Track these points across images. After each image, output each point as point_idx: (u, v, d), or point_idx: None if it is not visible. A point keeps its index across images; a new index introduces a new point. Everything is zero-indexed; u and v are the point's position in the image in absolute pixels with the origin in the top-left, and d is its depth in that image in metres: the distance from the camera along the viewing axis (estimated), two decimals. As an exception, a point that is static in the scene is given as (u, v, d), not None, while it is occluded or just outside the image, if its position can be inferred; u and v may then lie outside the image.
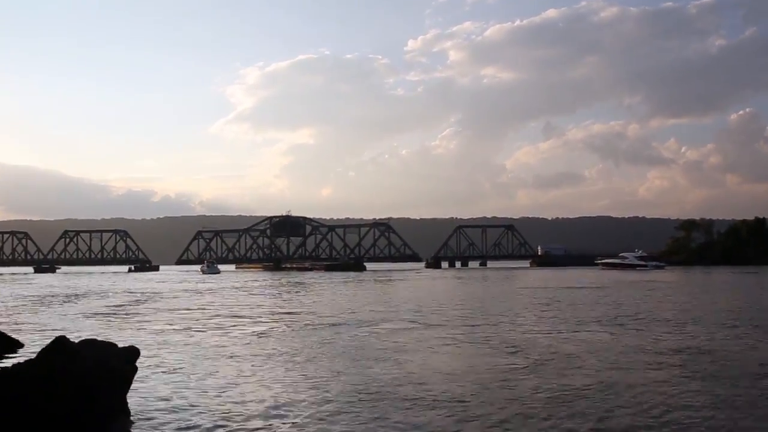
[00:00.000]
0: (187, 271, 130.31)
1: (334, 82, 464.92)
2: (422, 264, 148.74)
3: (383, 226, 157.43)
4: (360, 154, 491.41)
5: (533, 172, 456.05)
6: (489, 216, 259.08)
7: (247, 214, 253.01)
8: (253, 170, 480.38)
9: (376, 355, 16.74)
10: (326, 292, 50.10)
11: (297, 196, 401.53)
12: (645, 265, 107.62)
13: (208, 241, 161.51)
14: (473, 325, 23.74)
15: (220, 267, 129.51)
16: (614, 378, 13.27)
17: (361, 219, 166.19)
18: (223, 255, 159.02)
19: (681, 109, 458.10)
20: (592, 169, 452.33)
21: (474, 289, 53.65)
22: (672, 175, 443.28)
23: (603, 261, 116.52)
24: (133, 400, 10.93)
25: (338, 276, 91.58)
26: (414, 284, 64.78)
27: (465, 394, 12.04)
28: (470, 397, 11.74)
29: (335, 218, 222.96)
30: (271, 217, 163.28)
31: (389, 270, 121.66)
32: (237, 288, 59.43)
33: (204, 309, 34.23)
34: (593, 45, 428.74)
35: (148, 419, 10.43)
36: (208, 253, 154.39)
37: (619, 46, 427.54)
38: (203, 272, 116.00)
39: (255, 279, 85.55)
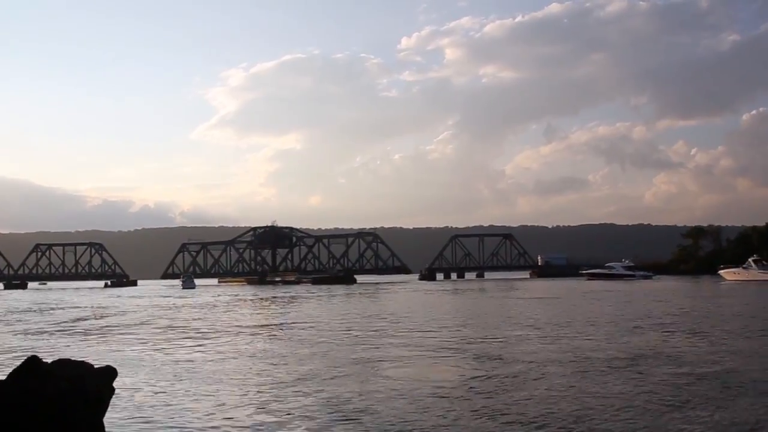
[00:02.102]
0: (170, 285, 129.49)
1: (323, 84, 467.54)
2: (415, 276, 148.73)
3: (370, 237, 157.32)
4: (351, 159, 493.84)
5: (534, 177, 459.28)
6: (486, 224, 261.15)
7: (230, 225, 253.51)
8: (237, 178, 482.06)
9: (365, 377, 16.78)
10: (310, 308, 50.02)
11: (284, 205, 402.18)
12: (632, 275, 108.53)
13: (194, 254, 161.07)
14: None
15: (206, 281, 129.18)
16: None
17: (351, 228, 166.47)
18: (209, 268, 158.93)
19: (690, 109, 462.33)
20: (596, 173, 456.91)
21: (460, 303, 53.79)
22: (680, 180, 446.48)
23: (588, 271, 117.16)
24: (110, 423, 10.89)
25: (327, 290, 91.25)
26: (406, 299, 64.73)
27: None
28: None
29: (324, 228, 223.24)
30: (255, 228, 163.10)
31: (380, 283, 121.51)
32: (204, 306, 59.22)
33: (174, 327, 34.03)
34: (599, 42, 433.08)
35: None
36: (193, 267, 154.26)
37: (626, 43, 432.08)
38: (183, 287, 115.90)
39: (233, 294, 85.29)
